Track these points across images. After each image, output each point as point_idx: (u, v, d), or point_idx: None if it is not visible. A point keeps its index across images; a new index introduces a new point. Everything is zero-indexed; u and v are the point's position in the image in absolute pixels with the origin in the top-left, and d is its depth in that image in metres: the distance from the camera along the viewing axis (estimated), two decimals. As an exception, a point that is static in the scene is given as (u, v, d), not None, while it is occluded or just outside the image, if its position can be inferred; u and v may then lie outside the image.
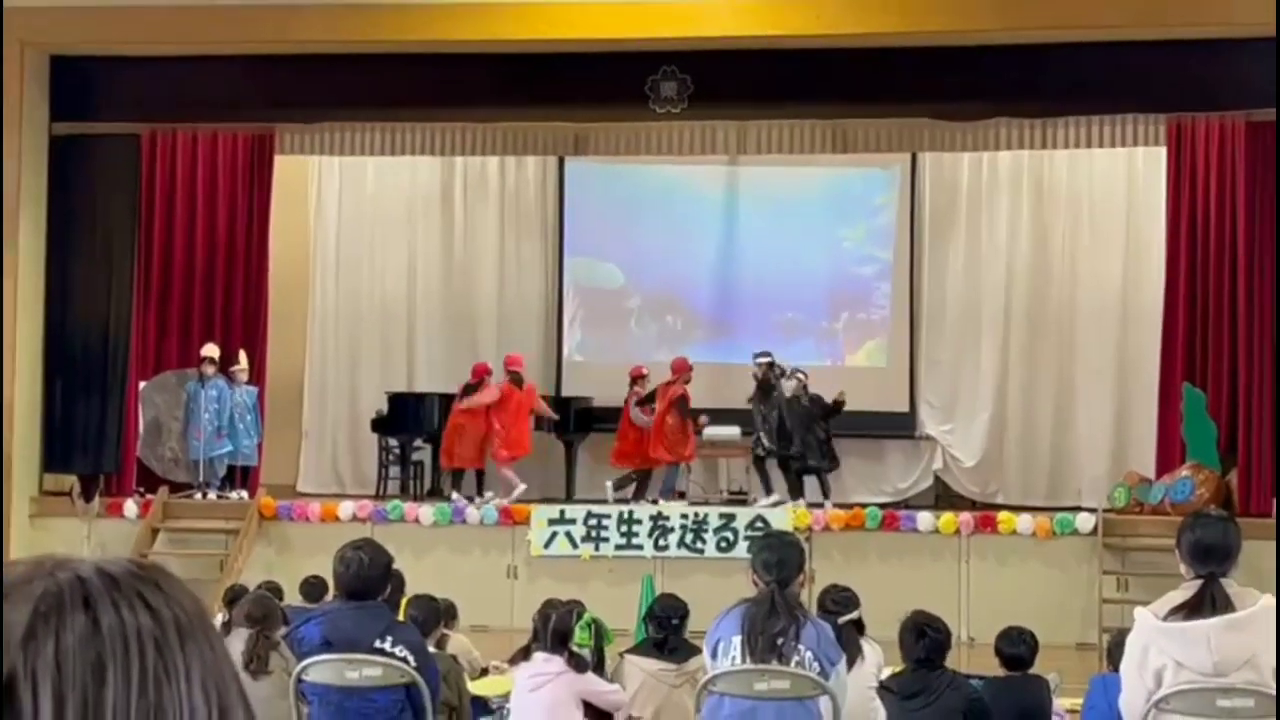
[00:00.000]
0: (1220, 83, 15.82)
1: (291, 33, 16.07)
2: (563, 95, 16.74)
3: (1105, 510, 15.96)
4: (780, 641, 6.24)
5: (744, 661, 6.27)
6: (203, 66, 16.83)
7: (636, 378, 17.45)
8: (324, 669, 6.44)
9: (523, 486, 16.94)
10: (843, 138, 17.34)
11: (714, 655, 6.46)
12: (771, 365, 16.98)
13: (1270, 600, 5.62)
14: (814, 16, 15.52)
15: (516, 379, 17.21)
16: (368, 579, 6.55)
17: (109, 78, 17.01)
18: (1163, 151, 16.60)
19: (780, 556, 6.47)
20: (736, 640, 6.31)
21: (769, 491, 16.78)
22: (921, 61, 16.08)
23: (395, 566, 10.51)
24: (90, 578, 1.25)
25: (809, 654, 6.27)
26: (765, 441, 16.77)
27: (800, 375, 16.98)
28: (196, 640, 1.27)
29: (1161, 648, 5.62)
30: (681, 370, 17.20)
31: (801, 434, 16.68)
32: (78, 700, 1.19)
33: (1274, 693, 5.47)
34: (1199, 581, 5.64)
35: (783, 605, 6.31)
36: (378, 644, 6.40)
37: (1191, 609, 5.58)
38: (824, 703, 6.28)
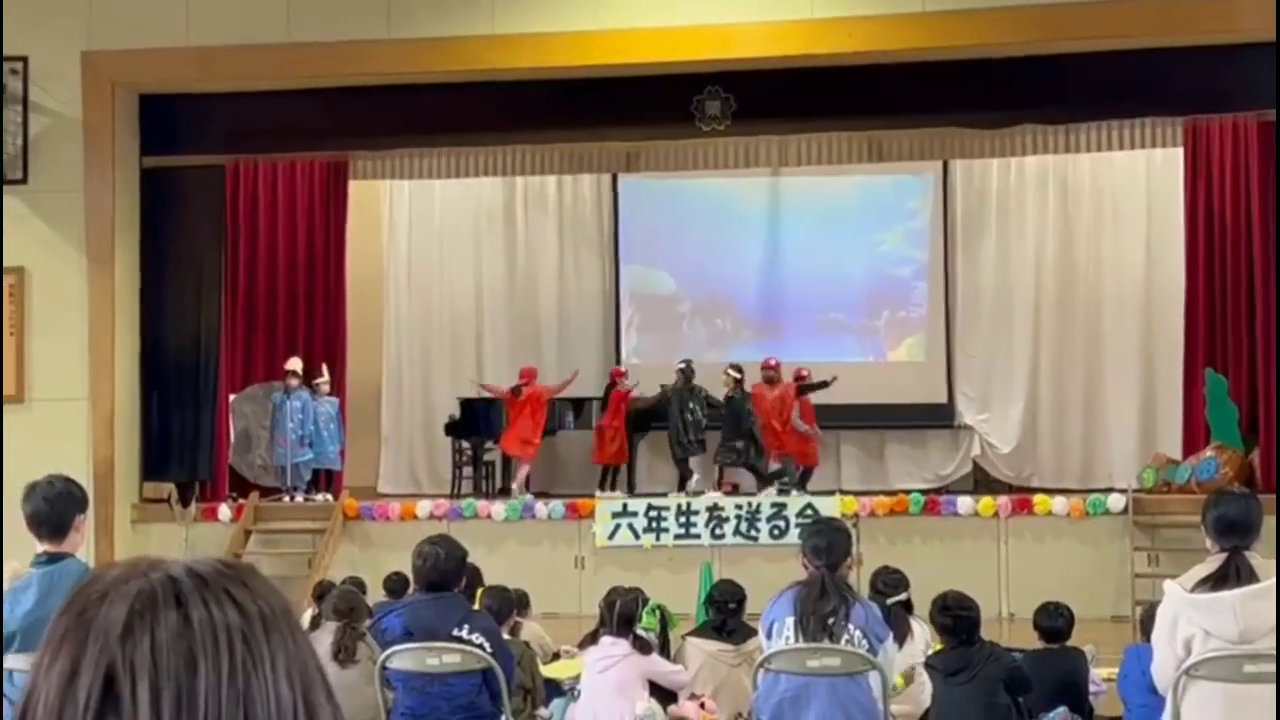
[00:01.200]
0: (1232, 85, 15.70)
1: (362, 66, 16.14)
2: (615, 117, 16.76)
3: (1135, 490, 15.87)
4: (831, 621, 6.23)
5: (797, 641, 6.26)
6: (280, 101, 16.90)
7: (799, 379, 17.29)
8: (406, 657, 6.46)
9: (519, 477, 17.24)
10: (878, 148, 17.29)
11: (769, 635, 6.46)
12: (683, 371, 17.16)
13: (1294, 571, 5.57)
14: (847, 36, 15.48)
15: (515, 389, 17.29)
16: (444, 571, 6.57)
17: (194, 114, 17.10)
18: (1179, 151, 16.49)
19: (829, 541, 6.46)
20: (790, 621, 6.30)
21: (682, 485, 16.96)
22: (950, 74, 16.01)
23: (470, 560, 10.60)
24: (181, 577, 1.26)
25: (858, 632, 6.25)
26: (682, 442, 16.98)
27: (732, 373, 17.03)
28: (281, 633, 1.28)
29: (1190, 618, 5.59)
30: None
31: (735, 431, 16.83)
32: (172, 690, 1.20)
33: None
34: (1224, 555, 5.61)
35: (832, 587, 6.30)
36: (456, 632, 6.42)
37: (1217, 580, 5.55)
38: (873, 677, 6.27)
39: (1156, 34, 15.19)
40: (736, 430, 16.82)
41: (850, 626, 6.25)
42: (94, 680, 1.20)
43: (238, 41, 16.06)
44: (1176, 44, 15.38)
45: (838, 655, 6.19)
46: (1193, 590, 5.58)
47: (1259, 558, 5.62)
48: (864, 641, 6.26)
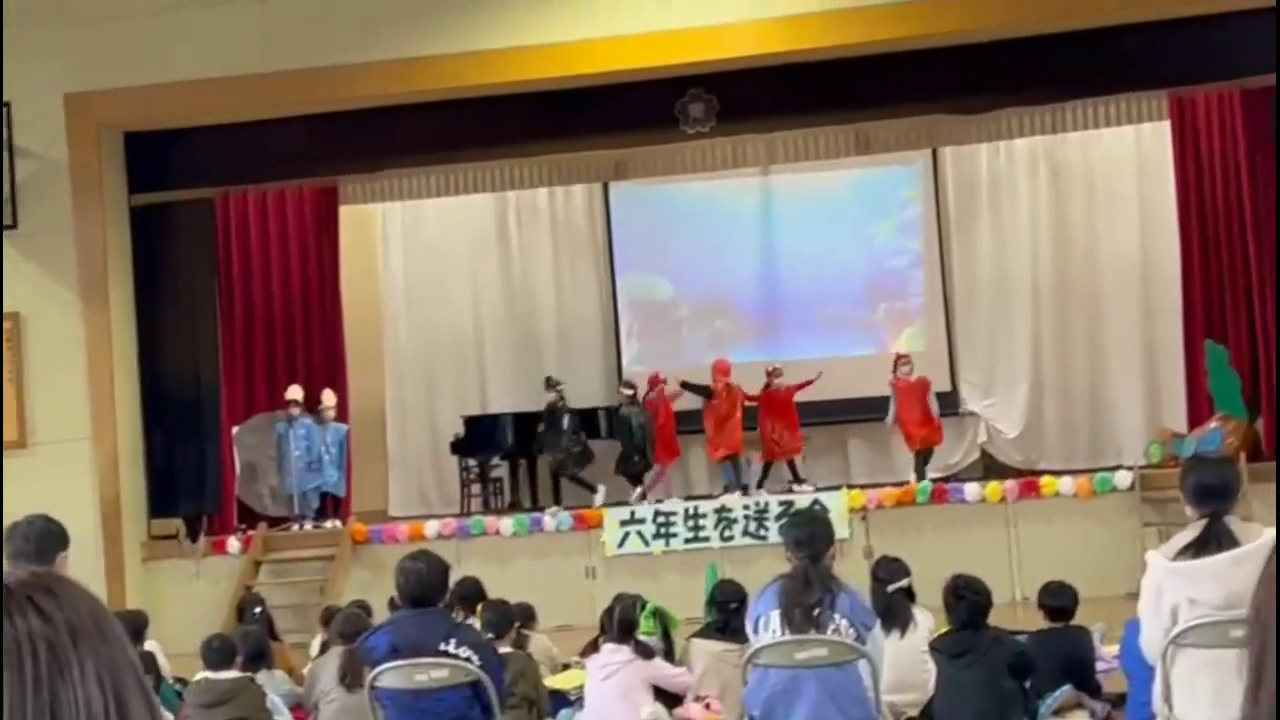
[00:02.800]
0: (1214, 55, 15.68)
1: (344, 90, 16.17)
2: (600, 125, 16.78)
3: (1142, 466, 15.80)
4: (816, 612, 6.20)
5: (783, 634, 6.23)
6: (265, 130, 16.93)
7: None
8: (394, 675, 6.43)
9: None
10: (865, 140, 17.28)
11: (755, 630, 6.43)
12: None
13: (1274, 534, 5.53)
14: (825, 30, 15.45)
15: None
16: (428, 586, 6.54)
17: (180, 149, 17.16)
18: (1167, 125, 16.45)
19: (811, 533, 6.44)
20: (775, 614, 6.28)
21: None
22: (932, 62, 15.98)
23: (474, 576, 10.59)
24: None
25: (844, 621, 6.22)
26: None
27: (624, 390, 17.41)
28: (90, 638, 1.26)
29: (1174, 586, 5.56)
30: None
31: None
32: None
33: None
34: (1204, 521, 5.57)
35: (816, 578, 6.28)
36: (442, 646, 6.39)
37: (1199, 547, 5.52)
38: (862, 666, 6.23)
39: (1135, 9, 15.21)
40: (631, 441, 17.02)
41: (836, 616, 6.22)
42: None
43: (218, 74, 16.06)
44: (1155, 18, 15.38)
45: (825, 646, 6.16)
46: (1175, 558, 5.54)
47: (1239, 522, 5.58)
48: (851, 630, 6.23)
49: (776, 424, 16.92)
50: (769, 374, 17.04)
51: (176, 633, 14.27)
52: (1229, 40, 15.48)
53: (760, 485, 16.99)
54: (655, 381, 17.25)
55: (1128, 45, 15.73)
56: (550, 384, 17.56)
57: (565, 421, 17.28)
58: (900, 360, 17.07)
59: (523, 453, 18.14)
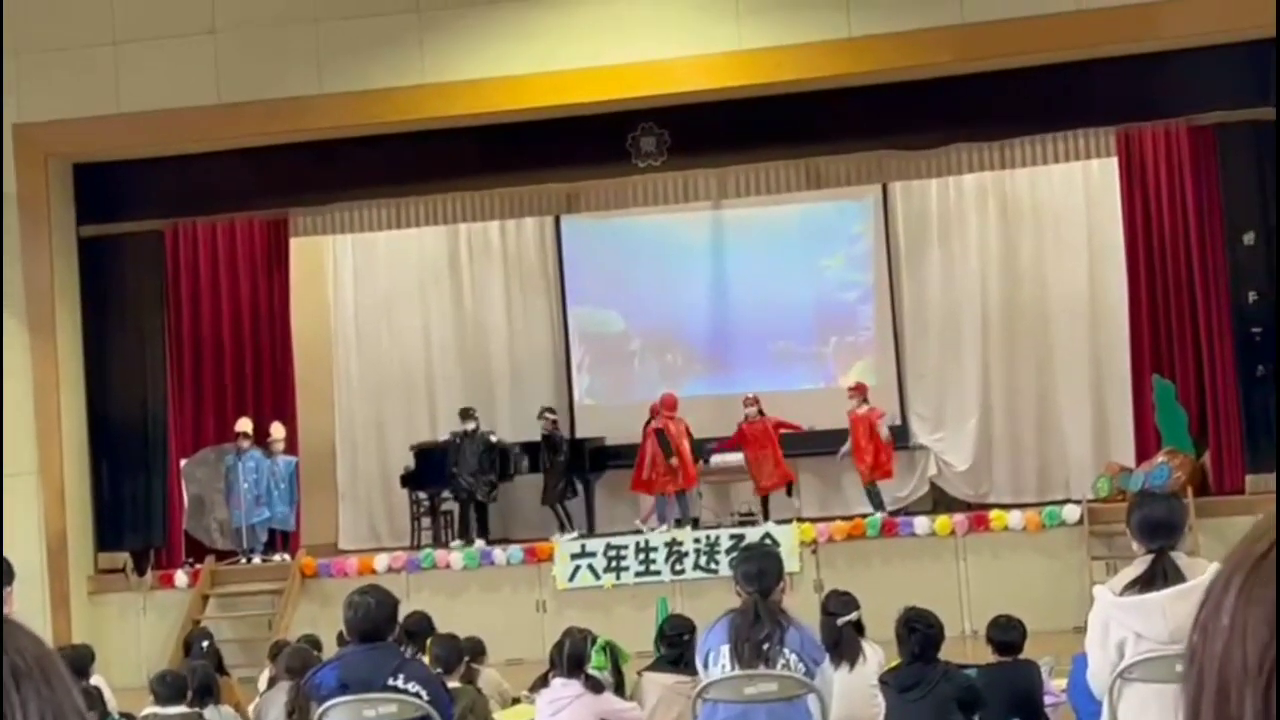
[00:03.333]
0: (1160, 93, 15.86)
1: (295, 123, 16.15)
2: (551, 159, 16.81)
3: (1090, 500, 15.89)
4: (766, 647, 6.21)
5: (733, 668, 6.24)
6: (215, 162, 16.90)
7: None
8: (342, 711, 6.40)
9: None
10: (816, 174, 17.37)
11: (705, 665, 6.44)
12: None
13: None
14: (776, 65, 15.55)
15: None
16: (376, 620, 6.51)
17: (129, 180, 17.07)
18: (1114, 161, 16.61)
19: (760, 568, 6.45)
20: (725, 649, 6.29)
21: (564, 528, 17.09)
22: (881, 98, 16.10)
23: (423, 610, 10.56)
24: None
25: (793, 656, 6.24)
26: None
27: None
28: (33, 680, 1.26)
29: (1120, 621, 5.59)
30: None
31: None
32: None
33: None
34: (1150, 556, 5.61)
35: (766, 613, 6.29)
36: (391, 682, 6.36)
37: (1145, 583, 5.55)
38: (811, 700, 6.25)
39: (1082, 46, 15.35)
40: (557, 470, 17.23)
41: (785, 651, 6.24)
42: None
43: (169, 105, 16.03)
44: (1102, 55, 15.53)
45: (774, 680, 6.18)
46: (1121, 593, 5.58)
47: (1185, 557, 5.62)
48: (800, 665, 6.24)
49: (766, 455, 16.90)
50: (746, 403, 17.02)
51: (123, 667, 14.17)
52: (1175, 78, 15.67)
53: (766, 518, 16.89)
54: (656, 411, 17.03)
55: (1076, 82, 15.87)
56: (466, 414, 17.55)
57: (470, 452, 17.26)
58: (849, 391, 17.10)
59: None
